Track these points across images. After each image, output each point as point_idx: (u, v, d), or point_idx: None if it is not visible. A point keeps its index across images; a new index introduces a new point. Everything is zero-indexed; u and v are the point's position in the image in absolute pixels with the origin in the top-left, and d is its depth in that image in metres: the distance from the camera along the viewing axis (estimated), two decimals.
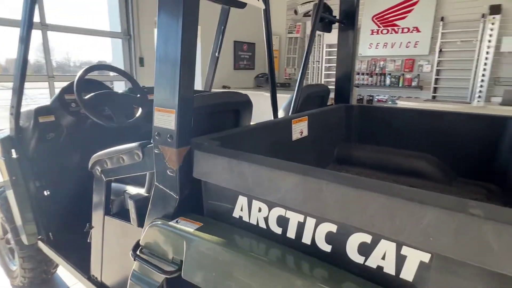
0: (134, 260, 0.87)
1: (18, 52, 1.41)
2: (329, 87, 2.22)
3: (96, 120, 1.41)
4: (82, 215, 1.62)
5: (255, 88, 6.72)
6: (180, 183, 0.80)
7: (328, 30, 1.86)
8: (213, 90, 4.57)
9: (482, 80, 5.17)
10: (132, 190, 1.11)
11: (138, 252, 0.88)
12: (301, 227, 0.65)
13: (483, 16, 5.06)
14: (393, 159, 1.69)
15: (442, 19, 5.44)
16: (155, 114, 0.82)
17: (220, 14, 2.36)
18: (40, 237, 1.57)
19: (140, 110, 1.63)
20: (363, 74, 6.31)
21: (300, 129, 1.37)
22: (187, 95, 0.78)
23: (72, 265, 1.38)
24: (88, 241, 1.26)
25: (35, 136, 1.50)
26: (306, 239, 0.65)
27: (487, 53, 5.06)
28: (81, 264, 1.38)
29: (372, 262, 0.57)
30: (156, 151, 0.84)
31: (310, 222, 0.63)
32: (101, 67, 1.78)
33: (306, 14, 6.91)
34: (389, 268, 0.55)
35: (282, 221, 0.68)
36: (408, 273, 0.53)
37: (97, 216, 1.16)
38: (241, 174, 0.68)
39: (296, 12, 6.96)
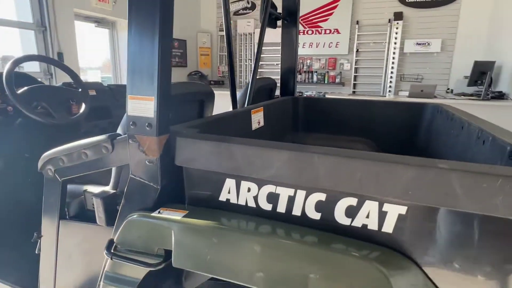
0: (111, 259, 0.81)
1: None
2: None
3: (34, 118, 1.24)
4: (15, 227, 1.42)
5: None
6: (161, 172, 0.78)
7: (274, 26, 1.96)
8: None
9: (391, 77, 5.95)
10: (93, 189, 1.03)
11: (113, 251, 0.83)
12: (291, 200, 0.70)
13: (389, 21, 5.83)
14: (335, 145, 1.88)
15: (357, 22, 6.10)
16: (129, 102, 0.78)
17: None
18: None
19: (83, 106, 1.49)
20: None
21: (258, 119, 1.43)
22: (166, 81, 0.76)
23: (11, 284, 1.20)
24: (37, 252, 1.11)
25: None
26: (297, 211, 0.71)
27: (394, 53, 5.85)
28: (23, 281, 1.22)
29: (358, 222, 0.66)
30: (131, 142, 0.80)
31: (300, 194, 0.69)
32: (34, 57, 1.56)
33: (236, 13, 7.03)
34: (373, 224, 0.65)
35: (272, 198, 0.72)
36: (388, 226, 0.63)
37: (49, 222, 1.04)
38: (232, 156, 0.70)
39: None
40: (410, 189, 0.58)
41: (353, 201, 0.65)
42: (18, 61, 1.34)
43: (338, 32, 6.24)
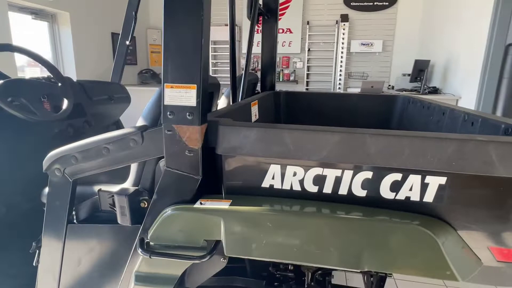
0: (150, 257, 0.77)
1: None
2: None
3: (15, 114, 1.10)
4: None
5: (140, 84, 6.25)
6: (202, 162, 0.76)
7: (256, 22, 1.99)
8: None
9: (340, 75, 6.36)
10: (107, 188, 0.95)
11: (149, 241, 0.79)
12: (338, 181, 0.75)
13: (337, 22, 6.23)
14: None
15: (308, 23, 6.40)
16: (166, 91, 0.74)
17: None
18: None
19: (66, 102, 1.35)
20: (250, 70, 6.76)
21: (255, 112, 1.45)
22: (206, 68, 0.75)
23: None
24: (35, 264, 0.99)
25: None
26: (343, 191, 0.75)
27: (342, 52, 6.26)
28: None
29: (402, 195, 0.73)
30: (167, 132, 0.76)
31: (347, 174, 0.74)
32: (7, 47, 1.37)
33: None
34: (415, 196, 0.72)
35: (319, 180, 0.76)
36: (429, 196, 0.71)
37: (54, 228, 0.93)
38: (281, 142, 0.72)
39: None
40: (453, 161, 0.66)
41: (398, 176, 0.72)
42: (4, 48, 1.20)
43: (291, 32, 6.48)
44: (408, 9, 5.96)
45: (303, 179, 0.77)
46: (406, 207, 0.73)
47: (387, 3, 6.04)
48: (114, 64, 2.27)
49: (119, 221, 0.87)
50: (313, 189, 0.77)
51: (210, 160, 0.80)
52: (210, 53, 6.81)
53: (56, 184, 0.90)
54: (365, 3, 6.16)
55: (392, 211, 0.73)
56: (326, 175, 0.75)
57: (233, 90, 1.53)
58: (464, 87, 4.08)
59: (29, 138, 1.54)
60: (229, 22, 1.53)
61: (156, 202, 0.82)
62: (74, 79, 4.53)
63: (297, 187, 0.78)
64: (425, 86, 4.79)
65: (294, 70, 6.58)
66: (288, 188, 0.78)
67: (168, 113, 0.76)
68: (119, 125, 2.29)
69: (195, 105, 0.74)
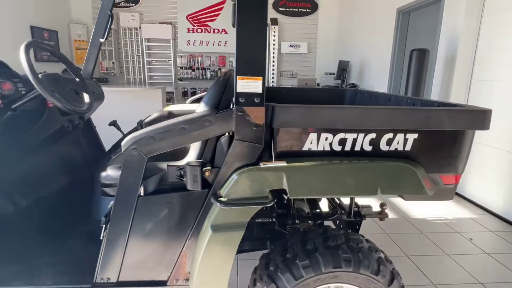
0: (231, 207, 1.02)
1: None
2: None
3: (56, 104, 1.18)
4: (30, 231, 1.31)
5: None
6: (266, 133, 1.05)
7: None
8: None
9: (273, 73, 6.94)
10: (174, 163, 1.13)
11: (224, 198, 1.04)
12: (354, 141, 1.12)
13: (268, 25, 6.76)
14: None
15: None
16: (239, 82, 1.00)
17: None
18: None
19: (87, 96, 1.42)
20: (185, 68, 6.84)
21: None
22: (265, 64, 1.03)
23: (69, 283, 1.15)
24: (102, 238, 1.12)
25: None
26: (357, 148, 1.12)
27: (273, 53, 6.85)
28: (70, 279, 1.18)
29: (393, 147, 1.13)
30: (238, 113, 1.02)
31: (361, 136, 1.11)
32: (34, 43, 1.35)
33: (116, 5, 6.57)
34: (400, 147, 1.14)
35: (342, 142, 1.11)
36: (408, 146, 1.14)
37: (125, 202, 1.08)
38: (320, 116, 1.05)
39: None
40: (422, 122, 1.09)
41: (390, 135, 1.12)
42: (31, 44, 1.24)
43: (226, 32, 6.78)
44: (326, 17, 6.84)
45: (331, 142, 1.11)
46: (395, 155, 1.14)
47: (309, 10, 6.83)
48: (85, 61, 2.26)
49: (189, 188, 1.08)
50: (338, 148, 1.12)
51: (267, 132, 1.08)
52: (145, 51, 6.67)
53: (132, 162, 1.05)
54: (291, 9, 6.85)
55: (387, 158, 1.13)
56: (347, 138, 1.11)
57: None
58: (377, 83, 5.00)
59: (35, 133, 1.55)
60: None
61: (226, 166, 1.06)
62: None
63: (327, 148, 1.12)
64: (346, 83, 5.65)
65: (231, 69, 6.89)
66: (322, 149, 1.12)
67: (240, 98, 1.01)
68: (90, 122, 2.29)
69: (261, 91, 1.01)
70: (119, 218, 1.10)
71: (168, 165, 1.10)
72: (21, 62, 1.24)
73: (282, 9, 6.81)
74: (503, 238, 2.50)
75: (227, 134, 1.11)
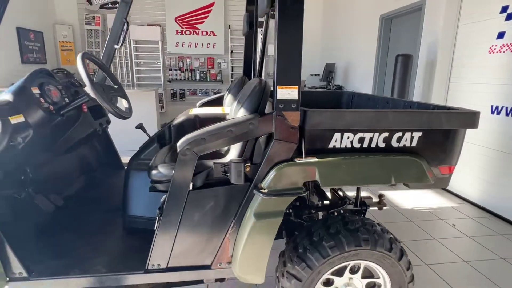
0: (272, 197, 1.20)
1: None
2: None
3: (116, 114, 1.32)
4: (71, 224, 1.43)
5: None
6: (299, 133, 1.23)
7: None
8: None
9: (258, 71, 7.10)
10: (218, 161, 1.29)
11: (265, 190, 1.22)
12: (371, 139, 1.32)
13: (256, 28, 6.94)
14: None
15: (229, 27, 6.94)
16: (279, 91, 1.18)
17: (120, 2, 2.29)
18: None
19: (126, 101, 1.54)
20: (174, 70, 6.90)
21: None
22: (300, 74, 1.21)
23: (123, 270, 1.29)
24: (155, 228, 1.26)
25: (4, 142, 1.15)
26: (373, 145, 1.33)
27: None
28: (126, 266, 1.32)
29: (402, 144, 1.35)
30: (278, 117, 1.20)
31: (376, 135, 1.32)
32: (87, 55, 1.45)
33: (103, 6, 6.54)
34: (408, 143, 1.36)
35: (361, 140, 1.31)
36: (414, 143, 1.36)
37: (176, 196, 1.23)
38: (343, 119, 1.25)
39: (90, 2, 6.44)
40: (425, 122, 1.32)
41: (400, 133, 1.34)
42: (84, 56, 1.36)
43: (214, 34, 6.90)
44: (311, 21, 7.12)
45: (352, 140, 1.32)
46: (404, 150, 1.37)
47: None
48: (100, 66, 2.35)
49: (233, 182, 1.24)
50: (357, 145, 1.33)
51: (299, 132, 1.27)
52: (133, 53, 6.67)
53: (185, 161, 1.20)
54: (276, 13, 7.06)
55: (398, 153, 1.35)
56: (365, 137, 1.32)
57: None
58: (362, 85, 5.31)
59: (70, 135, 1.65)
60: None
61: (265, 163, 1.24)
62: None
63: (348, 145, 1.32)
64: (332, 85, 5.94)
65: (220, 71, 7.03)
66: (344, 146, 1.32)
67: (280, 104, 1.19)
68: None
69: (297, 98, 1.20)
70: (172, 210, 1.25)
71: (214, 163, 1.26)
72: (79, 72, 1.35)
73: (270, 13, 7.00)
74: (481, 223, 2.83)
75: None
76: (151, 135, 1.95)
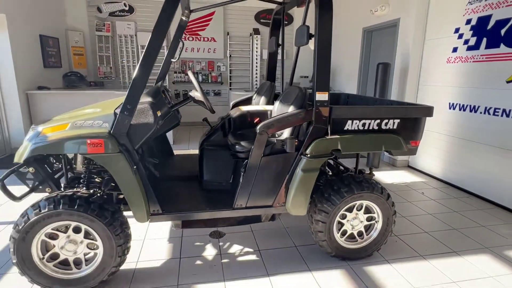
0: (313, 159, 2.01)
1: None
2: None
3: (210, 109, 2.08)
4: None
5: (69, 87, 6.19)
6: (328, 121, 2.04)
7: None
8: (28, 91, 4.95)
9: (256, 76, 7.92)
10: (278, 138, 2.08)
11: (308, 155, 2.02)
12: (369, 124, 2.15)
13: (251, 34, 7.73)
14: None
15: (228, 33, 7.67)
16: (317, 95, 1.97)
17: (178, 26, 2.97)
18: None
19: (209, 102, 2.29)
20: (178, 72, 7.56)
21: None
22: (329, 82, 2.01)
23: (218, 208, 2.07)
24: (241, 181, 2.03)
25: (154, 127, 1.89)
26: (371, 128, 2.16)
27: (256, 59, 7.83)
28: (219, 205, 2.10)
29: (388, 126, 2.19)
30: (317, 111, 2.00)
31: (372, 121, 2.15)
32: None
33: (112, 13, 7.09)
34: (391, 127, 2.20)
35: (363, 124, 2.13)
36: (395, 126, 2.21)
37: (254, 161, 2.00)
38: (355, 112, 2.08)
39: (100, 10, 6.98)
40: (402, 113, 2.17)
41: (387, 120, 2.18)
42: (192, 72, 2.09)
43: (214, 40, 7.61)
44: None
45: (358, 125, 2.14)
46: (389, 131, 2.21)
47: (286, 22, 7.91)
48: (158, 75, 3.05)
49: (288, 151, 2.02)
50: (361, 128, 2.15)
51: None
52: (140, 57, 7.25)
53: (261, 137, 1.96)
54: (270, 21, 7.87)
55: (385, 132, 2.20)
56: (366, 122, 2.14)
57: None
58: (347, 86, 6.23)
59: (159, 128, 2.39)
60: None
61: (309, 138, 2.04)
62: (14, 82, 5.29)
63: (356, 128, 2.14)
64: None
65: (220, 73, 7.76)
66: (354, 128, 2.14)
67: (318, 103, 1.99)
68: None
69: (327, 99, 2.00)
70: (251, 169, 2.03)
71: (276, 139, 2.05)
72: (192, 81, 2.08)
73: (263, 20, 7.81)
74: (443, 191, 3.77)
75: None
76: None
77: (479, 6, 3.51)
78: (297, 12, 7.81)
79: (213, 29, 7.50)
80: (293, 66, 2.76)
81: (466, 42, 3.69)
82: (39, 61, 5.68)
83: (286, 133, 2.17)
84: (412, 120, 2.23)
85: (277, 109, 2.45)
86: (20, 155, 1.87)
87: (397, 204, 3.37)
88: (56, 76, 6.27)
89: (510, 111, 3.20)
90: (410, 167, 4.69)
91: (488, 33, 3.41)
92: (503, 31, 3.25)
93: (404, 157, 4.72)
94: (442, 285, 2.07)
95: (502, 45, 3.26)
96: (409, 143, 2.30)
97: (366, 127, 2.16)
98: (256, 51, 7.77)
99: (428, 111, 2.24)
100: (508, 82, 3.21)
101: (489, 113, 3.43)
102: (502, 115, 3.28)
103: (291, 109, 2.13)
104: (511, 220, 3.04)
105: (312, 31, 1.93)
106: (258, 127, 1.98)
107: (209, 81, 7.72)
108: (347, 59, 6.14)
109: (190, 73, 2.18)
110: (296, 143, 2.08)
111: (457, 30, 3.81)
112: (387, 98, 4.46)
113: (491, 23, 3.37)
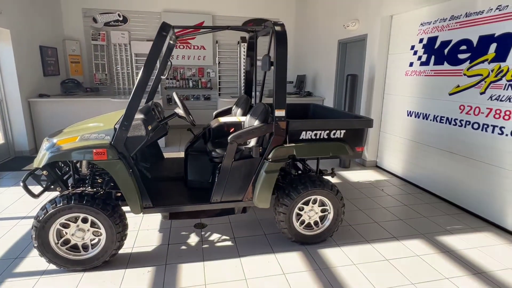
0: (273, 162, 2.53)
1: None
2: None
3: (191, 122, 2.59)
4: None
5: (67, 94, 6.63)
6: (285, 132, 2.56)
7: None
8: (30, 99, 5.64)
9: (244, 83, 8.41)
10: (247, 146, 2.59)
11: (270, 159, 2.54)
12: (320, 134, 2.68)
13: (238, 42, 8.23)
14: None
15: (217, 42, 8.17)
16: (276, 112, 2.48)
17: (166, 49, 3.47)
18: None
19: (190, 116, 2.79)
20: (170, 79, 8.03)
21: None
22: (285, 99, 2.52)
23: (199, 202, 2.58)
24: (216, 180, 2.55)
25: (147, 139, 2.40)
26: (321, 137, 2.69)
27: (244, 67, 8.32)
28: (201, 200, 2.61)
29: (336, 136, 2.72)
30: (275, 124, 2.51)
31: (323, 132, 2.68)
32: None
33: (107, 24, 7.54)
34: (338, 136, 2.72)
35: (316, 134, 2.66)
36: (342, 135, 2.73)
37: (226, 164, 2.52)
38: (308, 125, 2.59)
39: (95, 20, 7.43)
40: (347, 125, 2.70)
41: (335, 131, 2.70)
42: (177, 94, 2.61)
43: (204, 48, 8.10)
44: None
45: (311, 135, 2.66)
46: (336, 140, 2.73)
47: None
48: (150, 91, 3.53)
49: (254, 156, 2.53)
50: (314, 137, 2.67)
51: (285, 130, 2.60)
52: (134, 64, 7.72)
53: (232, 146, 2.47)
54: (256, 29, 8.37)
55: (333, 141, 2.72)
56: (317, 133, 2.66)
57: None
58: (326, 92, 6.77)
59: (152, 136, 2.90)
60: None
61: (269, 147, 2.55)
62: (18, 90, 5.88)
63: (311, 137, 2.66)
64: (303, 91, 7.36)
65: (210, 79, 8.26)
66: (308, 138, 2.66)
67: (276, 118, 2.50)
68: None
69: (284, 115, 2.51)
70: (224, 171, 2.54)
71: (244, 147, 2.57)
72: (176, 100, 2.58)
73: (250, 29, 8.29)
74: (400, 188, 4.33)
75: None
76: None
77: (429, 28, 4.06)
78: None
79: (202, 38, 7.98)
80: (261, 85, 3.27)
81: (419, 58, 4.25)
82: (39, 70, 6.11)
83: (253, 141, 2.68)
84: (356, 130, 2.76)
85: (247, 121, 2.97)
86: (39, 161, 2.35)
87: (357, 199, 3.91)
88: (55, 83, 6.71)
89: (451, 119, 3.76)
90: (378, 167, 5.25)
91: (435, 52, 3.97)
92: (446, 51, 3.81)
93: (372, 158, 5.28)
94: (375, 262, 2.61)
95: (445, 63, 3.82)
96: (355, 149, 2.83)
97: (318, 136, 2.69)
98: (244, 58, 8.26)
99: (368, 123, 2.77)
100: (450, 94, 3.77)
101: (437, 121, 3.99)
102: (446, 123, 3.85)
103: (256, 122, 2.65)
104: (451, 211, 3.60)
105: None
106: (229, 138, 2.50)
107: (199, 87, 8.21)
108: (326, 67, 6.68)
109: (174, 94, 2.69)
110: (260, 150, 2.59)
111: (412, 47, 4.36)
112: (355, 106, 5.02)
113: (438, 43, 3.93)
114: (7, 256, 2.62)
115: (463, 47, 3.57)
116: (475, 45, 3.42)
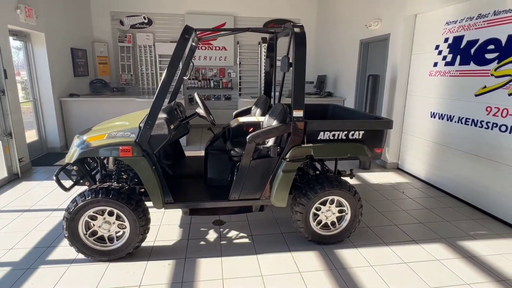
0: (288, 162, 2.57)
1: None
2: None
3: (211, 122, 2.67)
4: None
5: (95, 94, 6.94)
6: (303, 132, 2.59)
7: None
8: (61, 99, 5.86)
9: (264, 83, 8.45)
10: (265, 146, 2.65)
11: (287, 159, 2.58)
12: (339, 135, 2.67)
13: (259, 43, 8.29)
14: None
15: (238, 42, 8.27)
16: (294, 112, 2.52)
17: (189, 51, 3.58)
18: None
19: (211, 116, 2.88)
20: (192, 79, 8.22)
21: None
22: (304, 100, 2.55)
23: (218, 199, 2.66)
24: (234, 179, 2.62)
25: (169, 137, 2.50)
26: (339, 137, 2.70)
27: (264, 66, 8.37)
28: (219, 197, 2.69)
29: (354, 137, 2.71)
30: (294, 124, 2.55)
31: (341, 133, 2.68)
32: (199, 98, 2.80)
33: (133, 26, 7.82)
34: (357, 137, 2.71)
35: (334, 135, 2.66)
36: (360, 136, 2.73)
37: (244, 163, 2.58)
38: (326, 125, 2.61)
39: (122, 23, 7.72)
40: (365, 126, 2.69)
41: (353, 132, 2.70)
42: (198, 94, 2.71)
43: (225, 49, 8.23)
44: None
45: (329, 135, 2.67)
46: (355, 140, 2.73)
47: None
48: (173, 91, 3.65)
49: (272, 156, 2.57)
50: (332, 138, 2.68)
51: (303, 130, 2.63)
52: (158, 65, 7.96)
53: (250, 145, 2.53)
54: (277, 30, 8.40)
55: (352, 141, 2.72)
56: (335, 133, 2.67)
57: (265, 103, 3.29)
58: (347, 92, 6.70)
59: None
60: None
61: (288, 146, 2.59)
62: (51, 91, 6.14)
63: (329, 138, 2.68)
64: (324, 92, 7.32)
65: (231, 80, 8.38)
66: (325, 138, 2.67)
67: (295, 118, 2.53)
68: None
69: (302, 115, 2.54)
70: (243, 169, 2.60)
71: (262, 147, 2.62)
72: (197, 101, 2.68)
73: (269, 30, 8.33)
74: (422, 191, 4.23)
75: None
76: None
77: (454, 27, 3.95)
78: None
79: (224, 39, 8.11)
80: (280, 86, 3.31)
81: (444, 58, 4.13)
82: (70, 71, 6.45)
83: (271, 141, 2.73)
84: (375, 131, 2.75)
85: (266, 121, 3.02)
86: (70, 157, 2.52)
87: (377, 201, 3.86)
88: (84, 84, 7.05)
89: (477, 121, 3.64)
90: (399, 169, 5.15)
91: (461, 52, 3.85)
92: (472, 51, 3.69)
93: (394, 160, 5.18)
94: (393, 264, 2.59)
95: (472, 63, 3.70)
96: (374, 150, 2.81)
97: (336, 137, 2.70)
98: (264, 58, 8.31)
99: (388, 124, 2.75)
100: (476, 95, 3.65)
101: (461, 122, 3.87)
102: (471, 125, 3.73)
103: (275, 122, 2.69)
104: (475, 216, 3.49)
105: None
106: (247, 137, 2.56)
107: (220, 87, 8.35)
108: (347, 68, 6.61)
109: (196, 95, 2.78)
110: (278, 150, 2.64)
111: (437, 47, 4.25)
112: (376, 107, 4.95)
113: (464, 43, 3.81)
114: (41, 244, 2.82)
115: (491, 47, 3.45)
116: (503, 44, 3.30)
